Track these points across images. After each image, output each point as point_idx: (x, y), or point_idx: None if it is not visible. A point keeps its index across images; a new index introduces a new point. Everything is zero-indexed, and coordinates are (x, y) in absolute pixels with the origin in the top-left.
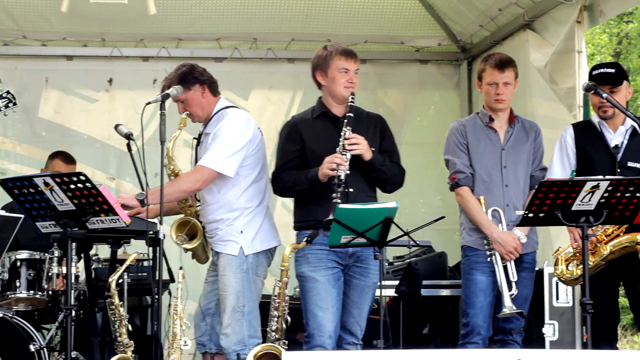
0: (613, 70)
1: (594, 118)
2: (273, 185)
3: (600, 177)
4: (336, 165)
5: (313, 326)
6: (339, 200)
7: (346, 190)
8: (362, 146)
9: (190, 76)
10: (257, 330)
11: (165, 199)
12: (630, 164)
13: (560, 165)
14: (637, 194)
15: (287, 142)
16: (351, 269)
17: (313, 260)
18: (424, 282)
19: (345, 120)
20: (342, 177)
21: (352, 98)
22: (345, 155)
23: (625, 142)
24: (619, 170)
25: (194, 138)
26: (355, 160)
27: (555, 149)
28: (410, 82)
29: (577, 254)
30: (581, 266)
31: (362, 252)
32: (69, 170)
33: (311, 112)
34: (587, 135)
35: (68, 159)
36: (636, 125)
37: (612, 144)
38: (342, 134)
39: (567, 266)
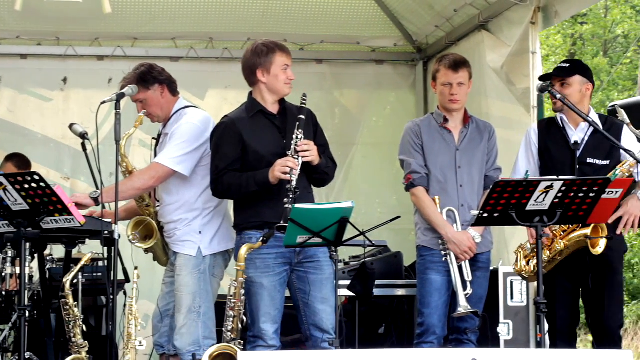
0: (567, 65)
1: (558, 115)
2: (214, 189)
3: (554, 177)
4: (289, 169)
5: (257, 330)
6: (289, 206)
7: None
8: (313, 153)
9: (149, 76)
10: (212, 331)
11: (120, 197)
12: (589, 160)
13: (525, 161)
14: (591, 194)
15: (226, 143)
16: (303, 266)
17: (261, 266)
18: (380, 282)
19: (298, 123)
20: (294, 182)
21: (304, 99)
22: (297, 159)
23: (587, 138)
24: (577, 166)
25: (153, 138)
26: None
27: (521, 146)
28: (366, 82)
29: (535, 250)
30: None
31: (309, 249)
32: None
33: (246, 111)
34: (549, 132)
35: (22, 162)
36: (595, 122)
37: (573, 141)
38: (294, 136)
39: (527, 262)
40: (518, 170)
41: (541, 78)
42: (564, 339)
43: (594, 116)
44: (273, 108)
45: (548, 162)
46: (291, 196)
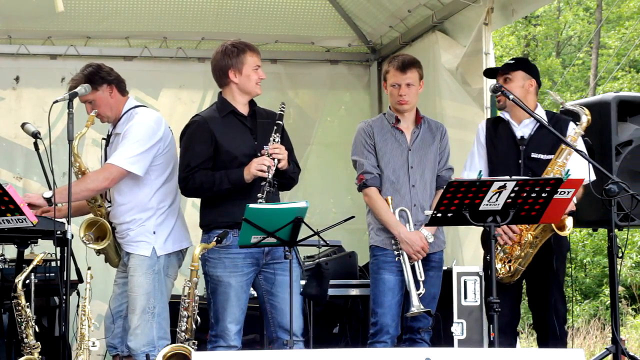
0: (512, 62)
1: (503, 112)
2: (183, 187)
3: (507, 177)
4: (266, 167)
5: (221, 328)
6: (262, 201)
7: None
8: (284, 157)
9: (97, 76)
10: (167, 331)
11: (73, 198)
12: (534, 155)
13: (478, 158)
14: (543, 194)
15: (198, 141)
16: (270, 267)
17: (229, 265)
18: (334, 282)
19: (275, 127)
20: (270, 179)
21: (283, 107)
22: (273, 159)
23: (532, 133)
24: (520, 161)
25: (103, 138)
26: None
27: (473, 144)
28: (320, 82)
29: (505, 252)
30: (515, 262)
31: (277, 250)
32: None
33: (217, 111)
34: (496, 129)
35: None
36: (541, 118)
37: (518, 136)
38: (271, 139)
39: (502, 264)
40: (466, 167)
41: (486, 72)
42: (503, 336)
43: (540, 112)
44: (244, 109)
45: (494, 158)
46: (266, 191)
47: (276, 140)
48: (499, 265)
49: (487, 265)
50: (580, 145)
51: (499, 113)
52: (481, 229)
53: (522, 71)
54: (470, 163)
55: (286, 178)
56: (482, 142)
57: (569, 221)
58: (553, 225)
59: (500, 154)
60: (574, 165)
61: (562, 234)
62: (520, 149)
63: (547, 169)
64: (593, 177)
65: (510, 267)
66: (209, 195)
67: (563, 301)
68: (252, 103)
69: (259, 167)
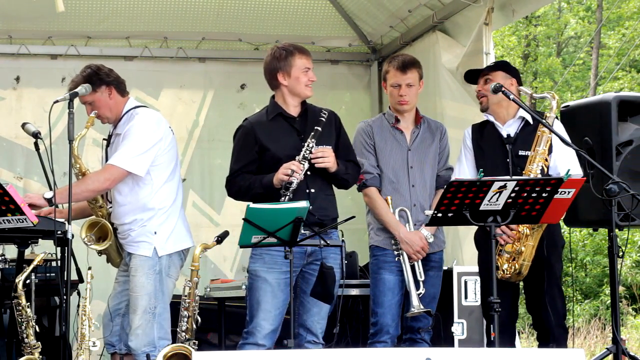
0: (492, 64)
1: (487, 114)
2: (228, 189)
3: (507, 177)
4: (291, 171)
5: (253, 325)
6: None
7: (307, 190)
8: (329, 159)
9: (96, 78)
10: (167, 331)
11: (73, 199)
12: (521, 152)
13: (465, 162)
14: (544, 194)
15: (242, 146)
16: (309, 267)
17: (268, 261)
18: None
19: (313, 133)
20: (294, 185)
21: (324, 114)
22: (303, 164)
23: (518, 132)
24: (508, 160)
25: (104, 139)
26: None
27: (461, 148)
28: (321, 82)
29: (508, 252)
30: (518, 259)
31: (322, 251)
32: None
33: (266, 114)
34: (482, 131)
35: None
36: (527, 117)
37: (504, 135)
38: (305, 144)
39: (508, 265)
40: (455, 173)
41: (467, 76)
42: (502, 336)
43: (522, 111)
44: (294, 111)
45: (483, 159)
46: (286, 194)
47: (310, 145)
48: (505, 266)
49: (483, 265)
50: (558, 128)
51: (483, 115)
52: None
53: (501, 71)
54: (458, 169)
55: (338, 179)
56: (469, 147)
57: None
58: None
59: (488, 155)
60: (560, 156)
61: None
62: (508, 148)
63: (529, 159)
64: (579, 170)
65: (515, 265)
66: (248, 199)
67: (561, 297)
68: (304, 103)
69: (284, 171)
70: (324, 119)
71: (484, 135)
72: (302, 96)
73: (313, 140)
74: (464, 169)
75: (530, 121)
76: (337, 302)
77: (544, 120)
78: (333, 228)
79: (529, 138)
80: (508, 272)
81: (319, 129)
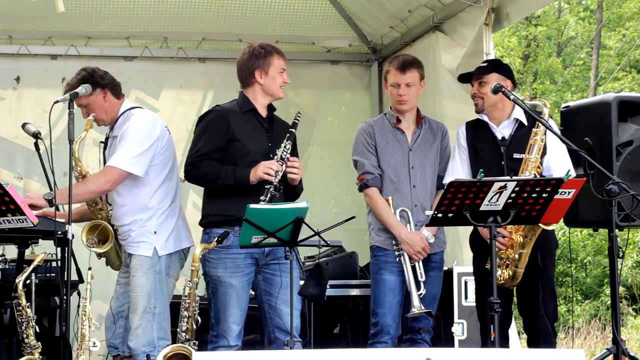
0: (485, 64)
1: (482, 115)
2: (188, 171)
3: (508, 177)
4: (273, 172)
5: (222, 328)
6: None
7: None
8: (299, 173)
9: (91, 80)
10: (167, 332)
11: (74, 200)
12: (515, 155)
13: (459, 162)
14: (544, 195)
15: (214, 130)
16: (270, 267)
17: (231, 266)
18: (335, 282)
19: (288, 134)
20: (276, 184)
21: (298, 117)
22: (282, 165)
23: (512, 134)
24: (503, 162)
25: (101, 142)
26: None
27: (454, 148)
28: (321, 82)
29: (501, 258)
30: (511, 266)
31: (277, 250)
32: None
33: (237, 106)
34: (477, 132)
35: None
36: (522, 118)
37: (500, 137)
38: (282, 145)
39: (502, 270)
40: (448, 172)
41: (460, 77)
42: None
43: (519, 111)
44: (262, 111)
45: (477, 160)
46: (270, 195)
47: (287, 147)
48: (499, 272)
49: (478, 266)
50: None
51: (477, 116)
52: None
53: (495, 73)
54: (452, 168)
55: (292, 193)
56: (463, 146)
57: None
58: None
59: (482, 156)
60: (553, 157)
61: (548, 228)
62: (502, 150)
63: (522, 166)
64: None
65: (509, 271)
66: (211, 186)
67: (554, 301)
68: (270, 108)
69: (267, 170)
70: (297, 121)
71: (479, 137)
72: (275, 96)
73: (289, 142)
74: (458, 168)
75: (525, 122)
76: (338, 302)
77: (544, 121)
78: (331, 228)
79: (524, 140)
80: (502, 278)
81: (294, 130)
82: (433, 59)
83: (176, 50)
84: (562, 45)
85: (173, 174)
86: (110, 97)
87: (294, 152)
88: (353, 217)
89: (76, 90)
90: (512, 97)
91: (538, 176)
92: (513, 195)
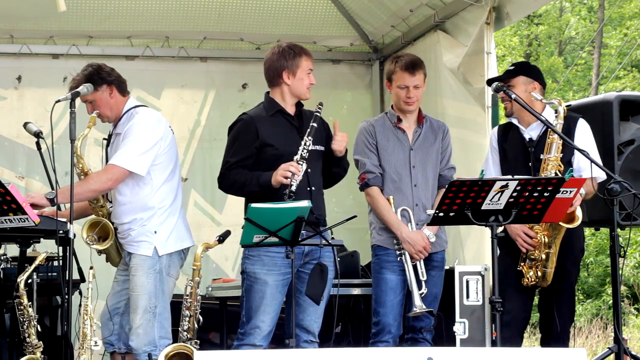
0: (512, 68)
1: (512, 117)
2: (220, 182)
3: (509, 176)
4: (291, 174)
5: (251, 326)
6: None
7: (309, 188)
8: (342, 145)
9: (97, 76)
10: (168, 331)
11: (75, 199)
12: (542, 156)
13: (491, 163)
14: (545, 194)
15: (241, 139)
16: (306, 267)
17: (268, 263)
18: (336, 282)
19: (309, 130)
20: (294, 187)
21: (320, 108)
22: (301, 164)
23: (540, 135)
24: (530, 163)
25: (104, 139)
26: (317, 158)
27: (488, 149)
28: (322, 81)
29: (531, 259)
30: (540, 266)
31: (316, 251)
32: None
33: (264, 110)
34: (507, 134)
35: None
36: (550, 119)
37: (527, 138)
38: (303, 143)
39: (532, 271)
40: (488, 173)
41: (489, 82)
42: (510, 332)
43: (549, 113)
44: (291, 110)
45: (506, 162)
46: (286, 199)
47: (307, 144)
48: (530, 273)
49: (504, 266)
50: (582, 133)
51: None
52: (483, 229)
53: (522, 76)
54: (486, 169)
55: (339, 166)
56: (495, 148)
57: (579, 212)
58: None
59: (511, 158)
60: (584, 159)
61: (571, 225)
62: (530, 151)
63: (542, 166)
64: (601, 174)
65: (538, 272)
66: (241, 195)
67: (572, 304)
68: (298, 104)
69: (283, 173)
70: (319, 114)
71: (508, 138)
72: (301, 97)
73: (310, 138)
74: (490, 169)
75: (558, 125)
76: (334, 301)
77: (543, 118)
78: (332, 227)
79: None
80: (533, 279)
81: (315, 125)
82: (434, 58)
83: (177, 50)
84: (563, 45)
85: (175, 174)
86: (116, 94)
87: (322, 141)
88: (354, 217)
89: (77, 90)
90: (513, 96)
91: (559, 175)
92: (515, 194)
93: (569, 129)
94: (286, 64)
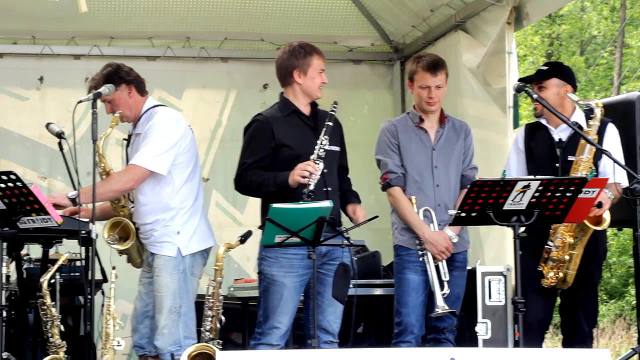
0: (546, 68)
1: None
2: (236, 183)
3: (531, 177)
4: (308, 173)
5: (268, 326)
6: None
7: (325, 188)
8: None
9: (117, 76)
10: (193, 331)
11: (97, 199)
12: (570, 157)
13: (515, 163)
14: (568, 194)
15: (257, 139)
16: (324, 267)
17: (286, 265)
18: (358, 282)
19: (324, 129)
20: (312, 187)
21: (335, 107)
22: (318, 163)
23: (570, 136)
24: (558, 165)
25: (124, 139)
26: (333, 159)
27: (510, 149)
28: (343, 81)
29: (553, 260)
30: (562, 268)
31: (334, 251)
32: None
33: (279, 110)
34: (534, 134)
35: None
36: (581, 122)
37: (556, 139)
38: (318, 142)
39: (554, 274)
40: (510, 173)
41: (520, 81)
42: (530, 334)
43: (579, 115)
44: (305, 110)
45: (533, 162)
46: (305, 198)
47: (323, 142)
48: (550, 274)
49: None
50: (611, 138)
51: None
52: (504, 230)
53: (556, 78)
54: (507, 169)
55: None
56: (520, 148)
57: (607, 215)
58: (587, 222)
59: (537, 158)
60: (609, 160)
61: (600, 227)
62: (558, 153)
63: (573, 167)
64: (625, 181)
65: (560, 273)
66: (258, 195)
67: (595, 306)
68: (313, 104)
69: (301, 172)
70: (334, 113)
71: (536, 138)
72: (313, 97)
73: (326, 137)
74: (512, 170)
75: (585, 126)
76: (353, 301)
77: (577, 129)
78: (354, 227)
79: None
80: (553, 280)
81: (330, 124)
82: (455, 58)
83: (198, 50)
84: (585, 44)
85: (195, 174)
86: (135, 94)
87: (342, 144)
88: (376, 217)
89: (99, 90)
90: (535, 96)
91: None
92: (537, 194)
93: (598, 132)
94: (297, 63)
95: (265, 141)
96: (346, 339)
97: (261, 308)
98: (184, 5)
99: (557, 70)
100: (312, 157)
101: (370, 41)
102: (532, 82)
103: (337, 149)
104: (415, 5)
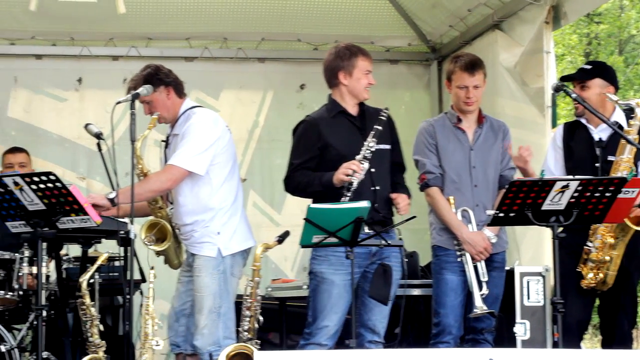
0: (589, 67)
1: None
2: (286, 184)
3: (570, 177)
4: (352, 171)
5: (317, 326)
6: None
7: (373, 188)
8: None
9: (156, 77)
10: (232, 331)
11: (135, 199)
12: (610, 157)
13: (553, 162)
14: (607, 194)
15: (304, 141)
16: (372, 267)
17: (335, 262)
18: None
19: (373, 132)
20: (355, 185)
21: (384, 113)
22: (363, 163)
23: (610, 136)
24: (597, 164)
25: (163, 140)
26: (382, 158)
27: (548, 147)
28: (380, 82)
29: (593, 260)
30: (602, 269)
31: (384, 251)
32: (18, 159)
33: (327, 111)
34: (573, 132)
35: (16, 149)
36: (622, 122)
37: (596, 139)
38: (366, 143)
39: (593, 275)
40: (548, 172)
41: (562, 79)
42: (569, 335)
43: (619, 114)
44: (353, 110)
45: (571, 161)
46: (347, 195)
47: (370, 144)
48: (590, 275)
49: (565, 269)
50: None
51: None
52: (541, 230)
53: (599, 78)
54: (545, 168)
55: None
56: (558, 145)
57: None
58: (628, 221)
59: (577, 157)
60: None
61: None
62: (597, 153)
63: (613, 167)
64: None
65: (600, 274)
66: (306, 196)
67: (634, 307)
68: (361, 104)
69: (344, 171)
70: (384, 118)
71: (575, 137)
72: (359, 98)
73: (374, 139)
74: (550, 169)
75: (625, 126)
76: (400, 302)
77: (618, 130)
78: (394, 227)
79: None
80: (593, 281)
81: (380, 127)
82: (492, 57)
83: (236, 51)
84: (623, 43)
85: (234, 174)
86: (173, 96)
87: (394, 141)
88: (414, 217)
89: (137, 91)
90: (573, 95)
91: None
92: (576, 194)
93: (639, 132)
94: (342, 64)
95: (312, 142)
96: (390, 339)
97: (310, 308)
98: (222, 6)
99: (600, 70)
100: (357, 157)
101: (407, 41)
102: (573, 81)
103: (387, 147)
104: (453, 5)
